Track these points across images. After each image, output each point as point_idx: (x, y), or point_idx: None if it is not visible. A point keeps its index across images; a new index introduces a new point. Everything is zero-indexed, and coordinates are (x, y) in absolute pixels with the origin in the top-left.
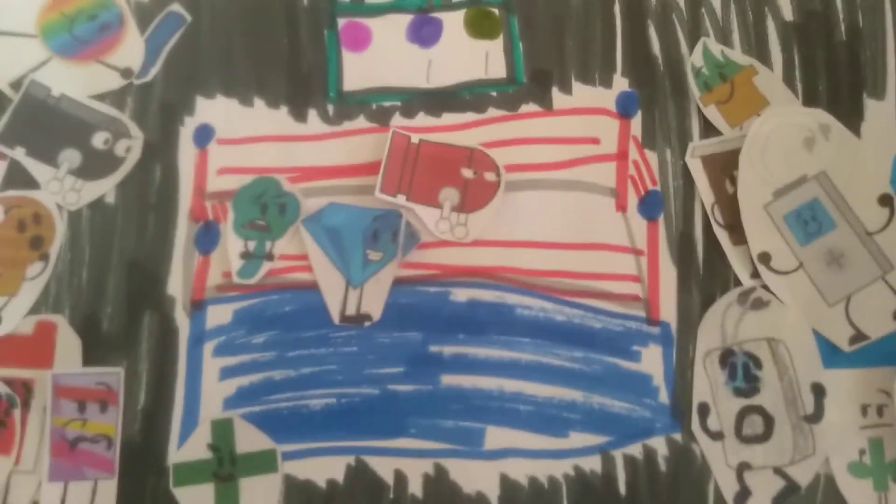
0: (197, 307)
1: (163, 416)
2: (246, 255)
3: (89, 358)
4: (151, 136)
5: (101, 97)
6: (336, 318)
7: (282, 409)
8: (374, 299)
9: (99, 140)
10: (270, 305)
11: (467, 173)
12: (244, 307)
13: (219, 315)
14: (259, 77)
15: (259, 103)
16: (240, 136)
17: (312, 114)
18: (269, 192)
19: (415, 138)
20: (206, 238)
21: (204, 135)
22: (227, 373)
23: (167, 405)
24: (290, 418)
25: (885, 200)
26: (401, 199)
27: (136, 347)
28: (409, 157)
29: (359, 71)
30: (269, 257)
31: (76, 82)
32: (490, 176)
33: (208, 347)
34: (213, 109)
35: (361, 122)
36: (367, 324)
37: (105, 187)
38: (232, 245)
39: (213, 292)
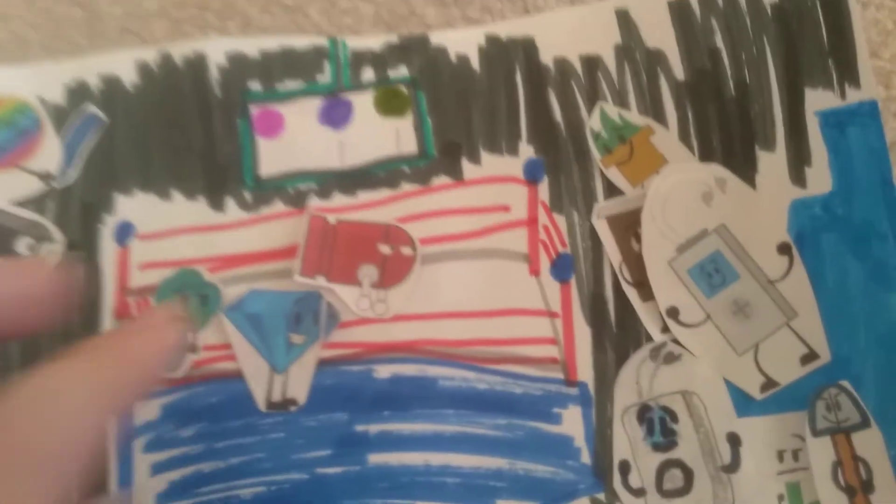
0: None
1: None
2: None
3: None
4: (73, 238)
5: (22, 203)
6: (262, 406)
7: (213, 500)
8: (299, 383)
9: (22, 245)
10: (197, 397)
11: (384, 249)
12: (171, 401)
13: (147, 411)
14: (176, 170)
15: (177, 196)
16: (160, 229)
17: (230, 202)
18: (190, 283)
19: (332, 219)
20: None
21: (124, 232)
22: (157, 468)
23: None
24: None
25: (783, 249)
26: (320, 281)
27: None
28: (328, 238)
29: (273, 156)
30: (193, 349)
31: None
32: (406, 250)
33: (138, 444)
34: (132, 206)
35: (279, 206)
36: (293, 409)
37: None
38: None
39: None
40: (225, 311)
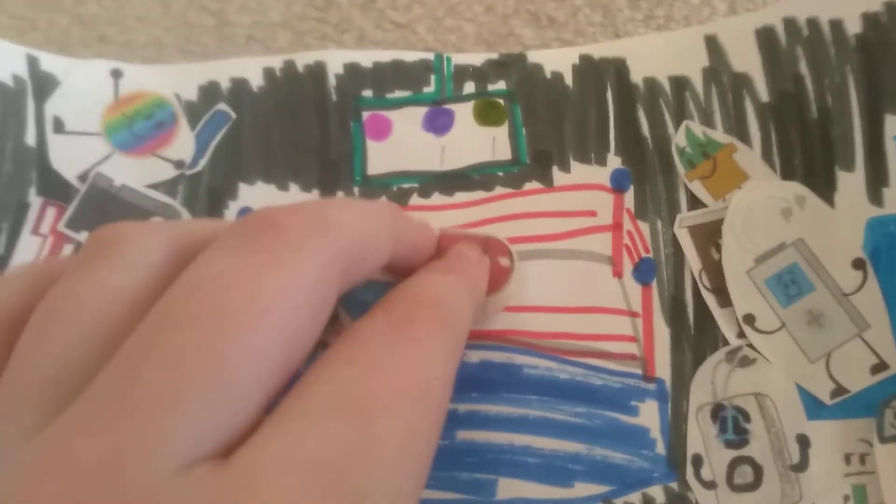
0: None
1: None
2: None
3: None
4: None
5: (155, 186)
6: None
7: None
8: None
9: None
10: None
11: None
12: None
13: None
14: (294, 165)
15: (294, 188)
16: None
17: (341, 196)
18: None
19: (435, 228)
20: None
21: None
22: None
23: None
24: None
25: (858, 264)
26: None
27: None
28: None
29: (381, 157)
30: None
31: (135, 174)
32: (504, 261)
33: None
34: (254, 194)
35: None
36: None
37: None
38: None
39: None
40: (340, 299)
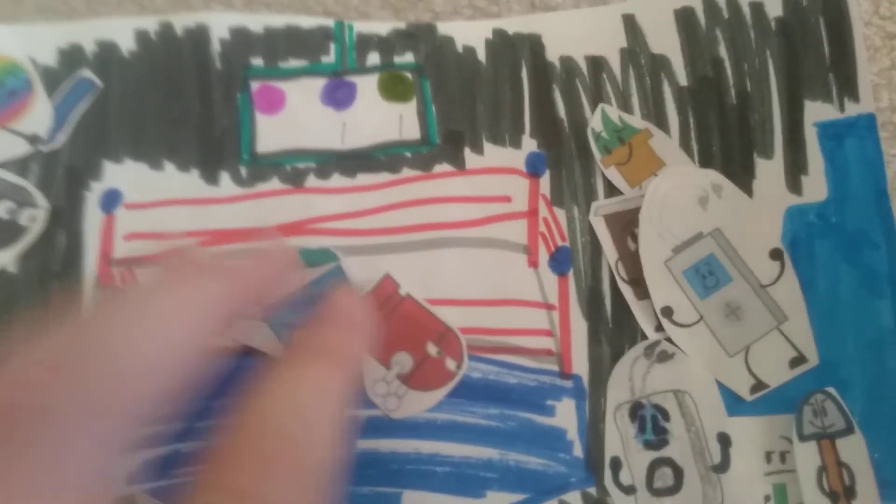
0: None
1: None
2: None
3: None
4: (57, 203)
5: (4, 165)
6: None
7: (191, 483)
8: None
9: (2, 209)
10: None
11: (431, 349)
12: None
13: None
14: (170, 141)
15: (169, 167)
16: (148, 200)
17: (225, 176)
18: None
19: (404, 290)
20: None
21: (111, 200)
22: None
23: None
24: None
25: (775, 254)
26: None
27: None
28: (387, 306)
29: (272, 133)
30: None
31: None
32: (451, 364)
33: None
34: (122, 174)
35: (275, 183)
36: None
37: (6, 258)
38: None
39: None
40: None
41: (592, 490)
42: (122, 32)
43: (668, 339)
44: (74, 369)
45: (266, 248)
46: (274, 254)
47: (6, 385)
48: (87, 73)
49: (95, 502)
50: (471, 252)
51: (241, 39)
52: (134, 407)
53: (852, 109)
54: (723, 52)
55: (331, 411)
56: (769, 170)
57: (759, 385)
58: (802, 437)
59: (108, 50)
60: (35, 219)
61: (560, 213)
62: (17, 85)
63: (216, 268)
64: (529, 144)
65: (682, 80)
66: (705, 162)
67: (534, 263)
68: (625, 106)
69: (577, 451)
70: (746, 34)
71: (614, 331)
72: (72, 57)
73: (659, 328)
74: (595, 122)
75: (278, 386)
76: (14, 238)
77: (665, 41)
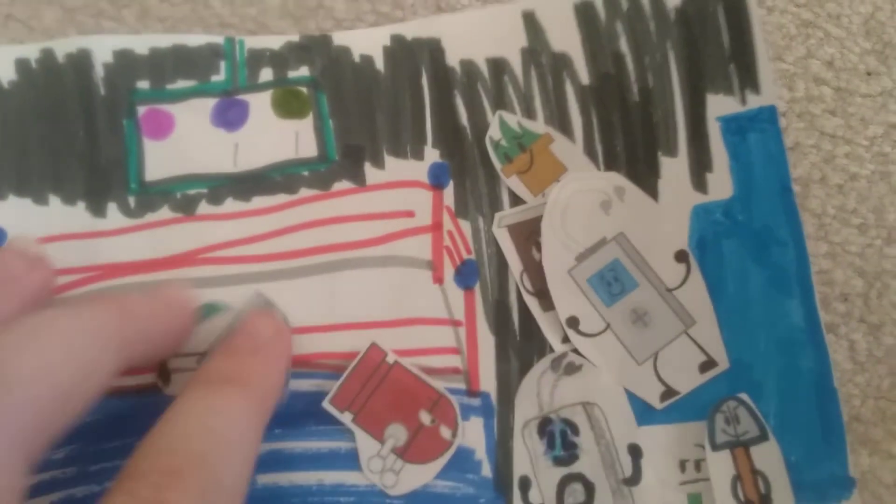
0: None
1: None
2: None
3: None
4: None
5: None
6: None
7: None
8: None
9: None
10: None
11: (425, 418)
12: None
13: None
14: (54, 173)
15: (55, 201)
16: (34, 237)
17: (112, 207)
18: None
19: (391, 358)
20: None
21: None
22: (33, 492)
23: None
24: None
25: (680, 256)
26: (346, 418)
27: None
28: (376, 376)
29: (161, 159)
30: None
31: None
32: (446, 433)
33: None
34: (5, 211)
35: (165, 212)
36: None
37: None
38: None
39: None
40: None
41: None
42: (2, 62)
43: (576, 351)
44: None
45: (159, 287)
46: (166, 291)
47: None
48: None
49: None
50: (373, 272)
51: (125, 62)
52: (19, 437)
53: (754, 102)
54: (624, 46)
55: (240, 435)
56: (674, 168)
57: (668, 392)
58: (715, 447)
59: None
60: None
61: (465, 225)
62: None
63: (109, 299)
64: (432, 155)
65: (585, 78)
66: (610, 163)
67: (439, 279)
68: (527, 108)
69: (486, 470)
70: (646, 26)
71: (522, 344)
72: None
73: (566, 340)
74: (493, 130)
75: (186, 410)
76: None
77: (566, 38)
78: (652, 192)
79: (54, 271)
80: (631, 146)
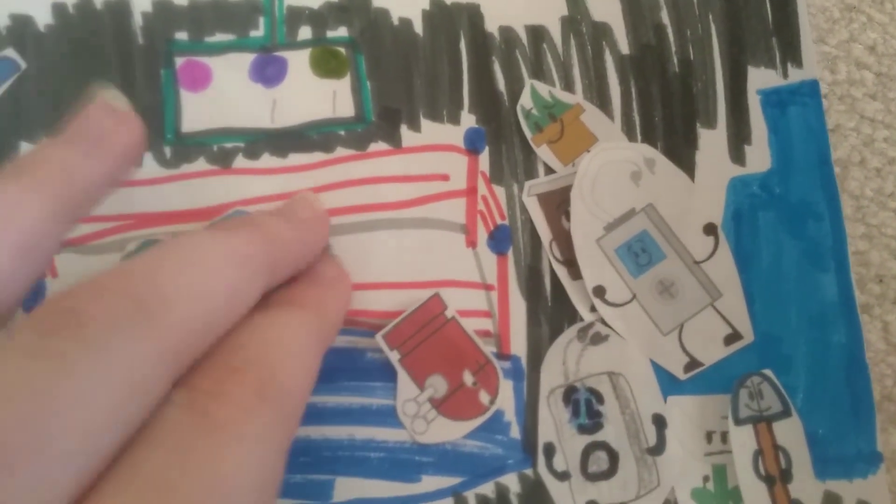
0: None
1: None
2: None
3: None
4: None
5: None
6: None
7: None
8: None
9: None
10: None
11: (468, 378)
12: None
13: None
14: None
15: None
16: None
17: (148, 157)
18: None
19: (449, 312)
20: (31, 293)
21: None
22: None
23: None
24: None
25: (709, 229)
26: (394, 356)
27: None
28: (431, 325)
29: (198, 111)
30: None
31: None
32: (484, 398)
33: None
34: None
35: (202, 164)
36: None
37: None
38: None
39: None
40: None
41: (530, 472)
42: (38, 5)
43: (602, 320)
44: None
45: (294, 201)
46: (303, 208)
47: None
48: (11, 53)
49: None
50: (407, 233)
51: (164, 12)
52: (171, 357)
53: (796, 76)
54: (665, 17)
55: (300, 347)
56: (713, 140)
57: (693, 363)
58: (738, 421)
59: (23, 24)
60: None
61: (499, 191)
62: None
63: (255, 226)
64: (468, 120)
65: (624, 48)
66: (648, 134)
67: (472, 243)
68: (566, 77)
69: (515, 432)
70: None
71: (553, 311)
72: None
73: (594, 309)
74: (525, 99)
75: (247, 323)
76: None
77: (607, 8)
78: (689, 163)
79: (142, 126)
80: (669, 117)
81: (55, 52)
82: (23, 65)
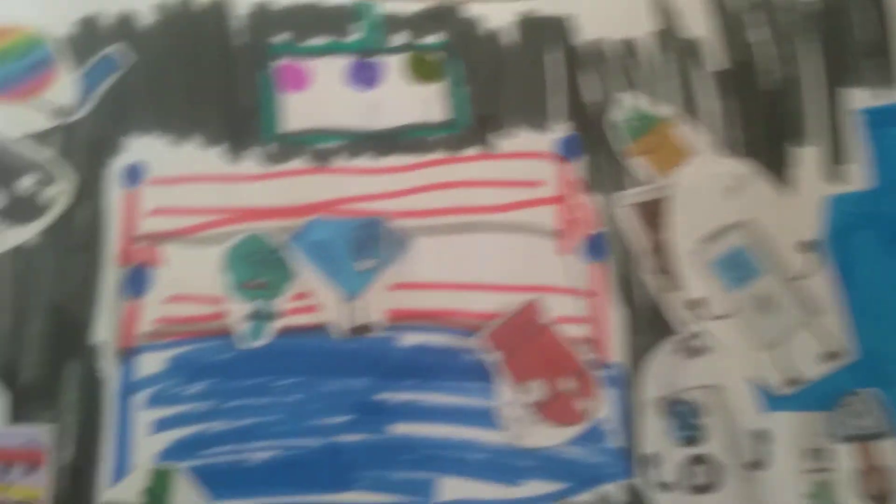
0: (126, 355)
1: (90, 473)
2: (250, 317)
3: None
4: (79, 177)
5: (29, 138)
6: (340, 333)
7: (220, 462)
8: (373, 308)
9: (25, 183)
10: (206, 353)
11: (567, 385)
12: (178, 355)
13: (151, 364)
14: (193, 116)
15: (193, 142)
16: (173, 174)
17: (249, 154)
18: (261, 248)
19: (547, 318)
20: (136, 282)
21: (135, 174)
22: (160, 425)
23: (95, 461)
24: (230, 473)
25: (807, 246)
26: (493, 358)
27: (61, 399)
28: (530, 328)
29: (297, 111)
30: (274, 316)
31: (5, 121)
32: (584, 406)
33: (139, 398)
34: (146, 148)
35: (302, 162)
36: (372, 333)
37: (28, 233)
38: (234, 308)
39: (145, 339)
40: (292, 239)
41: (631, 482)
42: (142, 5)
43: (701, 333)
44: None
45: None
46: None
47: None
48: (116, 47)
49: None
50: (499, 237)
51: (264, 15)
52: None
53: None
54: (759, 34)
55: None
56: (808, 158)
57: (792, 380)
58: (839, 439)
59: (126, 21)
60: (58, 195)
61: (592, 200)
62: (41, 57)
63: None
64: (560, 128)
65: (716, 64)
66: (741, 149)
67: (565, 249)
68: (655, 91)
69: (615, 441)
70: (783, 16)
71: (650, 322)
72: (90, 27)
73: (690, 321)
74: (618, 111)
75: None
76: (36, 214)
77: (699, 24)
78: (783, 180)
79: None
80: (762, 133)
81: (158, 48)
82: (128, 60)
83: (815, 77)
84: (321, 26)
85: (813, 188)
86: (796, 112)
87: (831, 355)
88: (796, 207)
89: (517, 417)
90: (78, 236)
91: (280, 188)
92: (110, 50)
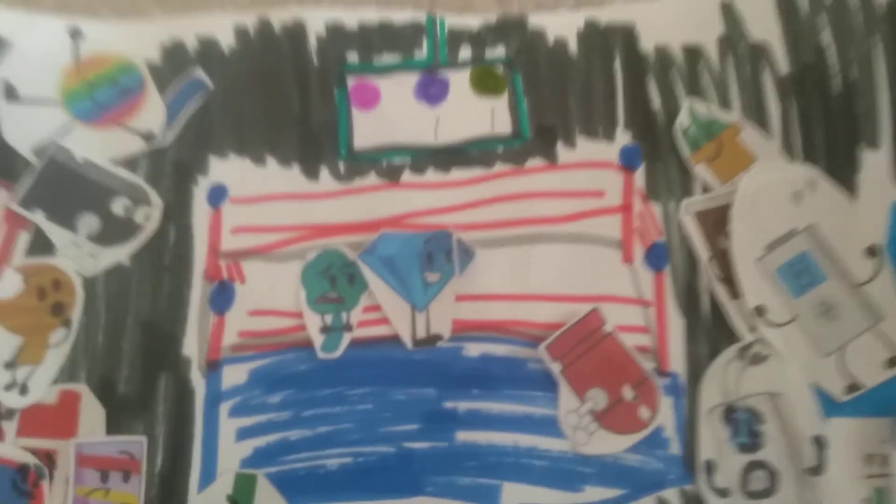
0: (212, 368)
1: (180, 479)
2: (325, 330)
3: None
4: (166, 198)
5: (121, 162)
6: (409, 344)
7: (298, 469)
8: (441, 319)
9: (118, 206)
10: (285, 365)
11: (628, 393)
12: (259, 367)
13: (234, 375)
14: (270, 136)
15: (271, 162)
16: (253, 194)
17: (324, 171)
18: (335, 264)
19: (608, 327)
20: (221, 298)
21: (218, 194)
22: (243, 433)
23: (184, 468)
24: (307, 479)
25: (872, 252)
26: (556, 367)
27: (152, 410)
28: (591, 338)
29: (368, 129)
30: (348, 328)
31: (98, 147)
32: (644, 414)
33: (224, 408)
34: (227, 169)
35: (372, 178)
36: (438, 344)
37: (122, 254)
38: (310, 321)
39: (228, 352)
40: (360, 255)
41: (690, 487)
42: (222, 28)
43: (762, 340)
44: None
45: None
46: None
47: None
48: (200, 73)
49: None
50: (564, 248)
51: (337, 35)
52: None
53: None
54: (826, 38)
55: None
56: (876, 162)
57: (854, 386)
58: None
59: (208, 46)
60: (149, 216)
61: (655, 208)
62: (131, 83)
63: None
64: (623, 137)
65: (783, 68)
66: (808, 154)
67: (628, 259)
68: (722, 96)
69: (675, 448)
70: (852, 19)
71: (712, 329)
72: (174, 53)
73: (753, 328)
74: (683, 118)
75: None
76: (129, 235)
77: (765, 28)
78: (850, 185)
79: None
80: (831, 138)
81: (238, 72)
82: (210, 84)
83: (882, 81)
84: (390, 44)
85: (879, 193)
86: (863, 116)
87: (893, 361)
88: (862, 212)
89: (579, 425)
90: (167, 255)
91: (352, 204)
92: (193, 74)
